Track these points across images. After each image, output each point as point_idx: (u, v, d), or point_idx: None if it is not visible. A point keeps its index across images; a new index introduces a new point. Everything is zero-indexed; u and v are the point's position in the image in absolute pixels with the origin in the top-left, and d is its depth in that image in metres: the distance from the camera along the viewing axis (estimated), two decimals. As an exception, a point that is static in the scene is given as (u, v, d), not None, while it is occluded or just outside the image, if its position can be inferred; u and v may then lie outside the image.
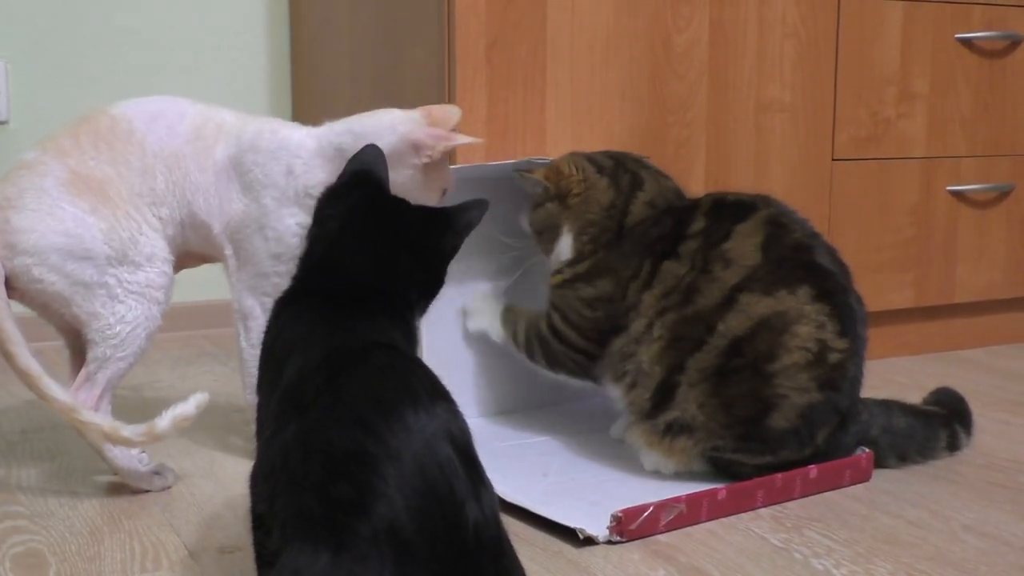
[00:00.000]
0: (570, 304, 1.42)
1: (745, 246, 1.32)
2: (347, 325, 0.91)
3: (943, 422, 1.49)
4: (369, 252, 0.98)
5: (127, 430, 1.23)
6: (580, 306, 1.41)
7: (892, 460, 1.44)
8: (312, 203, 1.23)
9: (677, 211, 1.40)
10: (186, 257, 1.44)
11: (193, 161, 1.36)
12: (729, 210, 1.37)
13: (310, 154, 1.37)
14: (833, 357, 1.29)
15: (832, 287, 1.31)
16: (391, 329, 0.93)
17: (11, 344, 1.25)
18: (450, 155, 1.63)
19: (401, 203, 1.02)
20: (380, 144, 1.32)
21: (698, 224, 1.36)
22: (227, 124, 1.39)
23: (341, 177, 1.04)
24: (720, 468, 1.33)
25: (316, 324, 0.92)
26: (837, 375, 1.29)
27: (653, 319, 1.34)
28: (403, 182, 1.34)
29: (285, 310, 0.98)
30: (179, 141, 1.36)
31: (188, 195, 1.36)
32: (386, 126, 1.35)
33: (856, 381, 1.33)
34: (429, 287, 1.01)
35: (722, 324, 1.30)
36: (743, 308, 1.29)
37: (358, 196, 1.01)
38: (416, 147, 1.34)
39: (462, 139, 1.36)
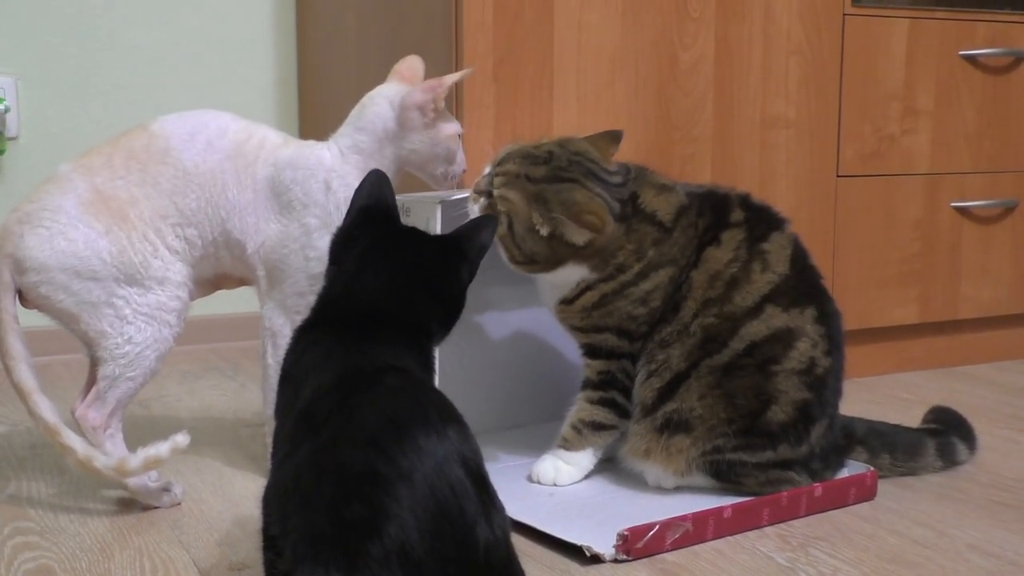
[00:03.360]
0: (621, 313, 1.35)
1: (780, 255, 1.37)
2: (362, 349, 0.93)
3: (931, 432, 1.53)
4: (386, 290, 0.99)
5: (99, 461, 1.26)
6: (633, 307, 1.35)
7: (885, 460, 1.46)
8: None
9: (712, 198, 1.40)
10: (223, 279, 1.45)
11: (232, 177, 1.37)
12: (762, 212, 1.40)
13: (340, 165, 1.39)
14: (818, 371, 1.35)
15: (830, 311, 1.39)
16: (405, 355, 0.95)
17: (9, 359, 1.30)
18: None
19: (413, 236, 1.04)
20: (385, 122, 1.40)
21: (737, 214, 1.39)
22: (268, 142, 1.40)
23: (349, 215, 1.06)
24: (720, 473, 1.34)
25: (332, 349, 0.93)
26: (820, 384, 1.36)
27: (698, 310, 1.34)
28: (421, 147, 1.41)
29: (304, 337, 0.99)
30: (218, 157, 1.37)
31: (223, 213, 1.37)
32: (383, 107, 1.41)
33: (836, 392, 1.40)
34: (448, 316, 1.02)
35: (744, 329, 1.33)
36: (765, 318, 1.34)
37: (370, 235, 1.03)
38: (419, 108, 1.39)
39: (452, 78, 1.40)
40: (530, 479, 1.41)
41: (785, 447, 1.33)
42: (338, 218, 1.36)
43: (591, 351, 1.41)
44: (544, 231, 1.31)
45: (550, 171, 1.34)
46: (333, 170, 1.39)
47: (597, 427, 1.40)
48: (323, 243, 1.36)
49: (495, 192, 1.34)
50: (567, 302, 1.39)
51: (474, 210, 1.36)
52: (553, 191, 1.32)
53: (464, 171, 1.47)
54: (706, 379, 1.33)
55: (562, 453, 1.41)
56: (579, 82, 1.73)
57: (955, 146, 2.05)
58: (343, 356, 0.92)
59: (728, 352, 1.33)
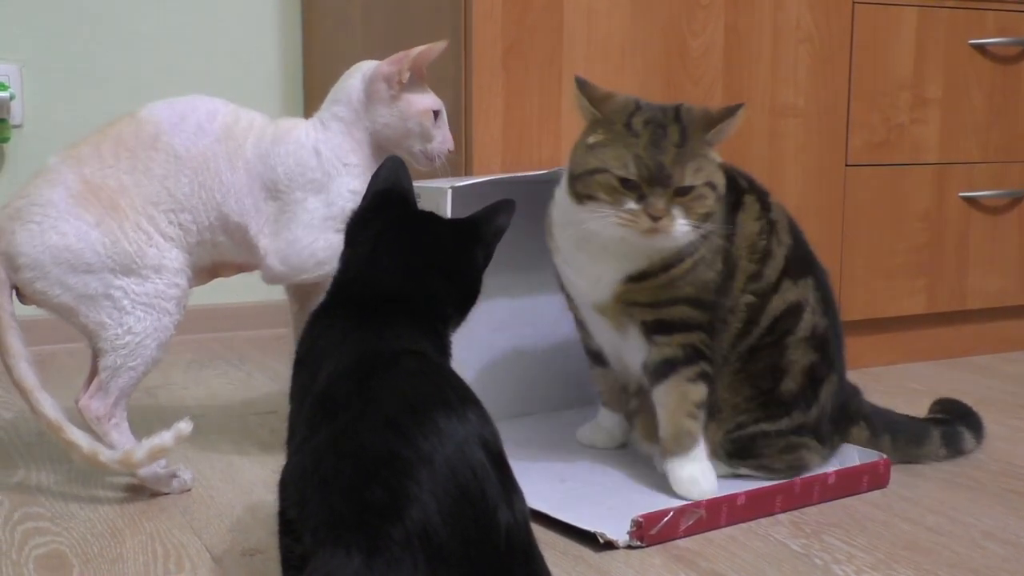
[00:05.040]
0: (699, 280, 1.27)
1: (783, 224, 1.37)
2: (378, 333, 0.92)
3: (936, 422, 1.53)
4: (402, 273, 0.99)
5: (105, 455, 1.26)
6: (705, 272, 1.27)
7: (886, 441, 1.45)
8: (352, 168, 1.38)
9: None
10: (220, 267, 1.43)
11: (224, 160, 1.36)
12: (751, 179, 1.38)
13: (322, 132, 1.40)
14: (819, 331, 1.36)
15: (824, 279, 1.40)
16: (422, 339, 0.94)
17: (9, 357, 1.30)
18: (468, 164, 1.65)
19: (428, 220, 1.04)
20: (356, 93, 1.41)
21: (740, 180, 1.36)
22: (257, 124, 1.40)
23: (366, 199, 1.06)
24: (742, 450, 1.34)
25: (348, 333, 0.93)
26: (823, 342, 1.36)
27: (743, 286, 1.31)
28: (391, 121, 1.40)
29: (319, 321, 0.98)
30: (209, 140, 1.35)
31: (218, 197, 1.35)
32: (356, 78, 1.42)
33: (839, 348, 1.40)
34: (464, 300, 1.02)
35: (769, 306, 1.33)
36: (783, 292, 1.34)
37: (386, 218, 1.03)
38: (385, 79, 1.39)
39: (419, 49, 1.39)
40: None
41: (798, 413, 1.34)
42: (329, 183, 1.37)
43: (663, 327, 1.27)
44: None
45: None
46: (319, 139, 1.39)
47: (704, 406, 1.30)
48: (342, 188, 1.38)
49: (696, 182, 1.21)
50: (645, 276, 1.26)
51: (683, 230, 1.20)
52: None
53: (449, 150, 1.45)
54: (734, 365, 1.33)
55: (692, 454, 1.29)
56: (588, 70, 1.72)
57: (964, 136, 2.04)
58: (359, 340, 0.92)
59: (756, 332, 1.33)
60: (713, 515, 1.24)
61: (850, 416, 1.43)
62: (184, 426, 1.24)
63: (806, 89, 1.89)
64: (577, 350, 1.63)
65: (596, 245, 1.26)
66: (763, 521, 1.27)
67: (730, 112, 1.24)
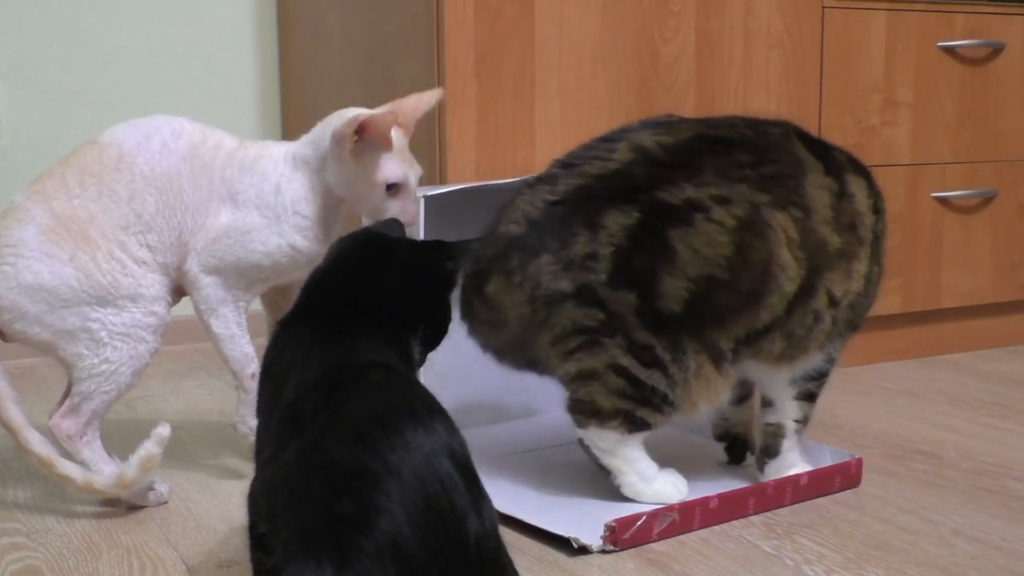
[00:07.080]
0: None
1: None
2: (344, 345, 0.93)
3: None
4: (362, 274, 1.00)
5: (99, 482, 1.27)
6: None
7: None
8: (300, 220, 1.33)
9: None
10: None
11: (188, 179, 1.35)
12: None
13: (290, 171, 1.36)
14: None
15: None
16: (387, 350, 0.95)
17: None
18: (443, 172, 1.65)
19: (399, 239, 1.06)
20: (325, 141, 1.32)
21: None
22: (226, 146, 1.38)
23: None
24: None
25: (314, 345, 0.94)
26: None
27: None
28: (339, 180, 1.33)
29: (285, 331, 0.99)
30: (174, 159, 1.35)
31: (179, 215, 1.35)
32: (329, 126, 1.34)
33: None
34: (431, 316, 1.03)
35: None
36: None
37: (358, 235, 1.05)
38: (337, 141, 1.30)
39: (364, 113, 1.28)
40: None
41: None
42: (286, 218, 1.34)
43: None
44: None
45: None
46: (284, 175, 1.35)
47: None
48: (272, 243, 1.34)
49: None
50: None
51: None
52: None
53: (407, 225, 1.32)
54: None
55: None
56: (560, 77, 1.73)
57: (935, 137, 2.07)
58: (326, 352, 0.93)
59: None
60: (686, 518, 1.25)
61: None
62: (162, 429, 1.25)
63: (778, 93, 1.90)
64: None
65: None
66: (736, 523, 1.29)
67: None
